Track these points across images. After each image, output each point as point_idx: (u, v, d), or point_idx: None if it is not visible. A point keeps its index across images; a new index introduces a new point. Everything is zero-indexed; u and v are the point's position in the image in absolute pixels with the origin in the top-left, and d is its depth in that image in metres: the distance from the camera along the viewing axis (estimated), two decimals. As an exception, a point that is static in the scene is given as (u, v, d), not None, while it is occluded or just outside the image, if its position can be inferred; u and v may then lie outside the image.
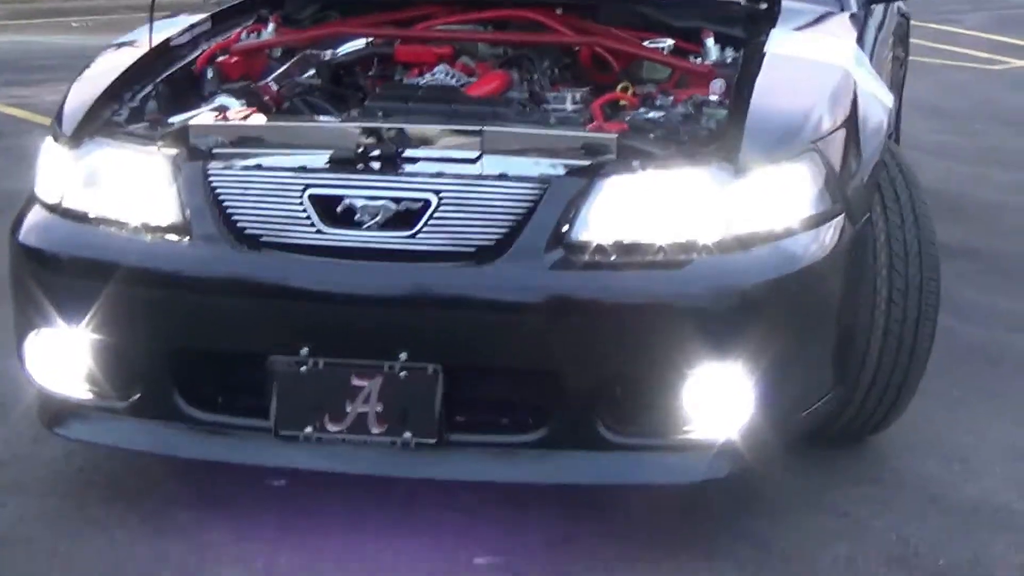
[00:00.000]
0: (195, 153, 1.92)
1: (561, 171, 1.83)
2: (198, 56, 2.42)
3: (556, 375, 1.81)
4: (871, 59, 2.63)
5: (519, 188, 1.79)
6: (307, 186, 1.83)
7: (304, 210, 1.81)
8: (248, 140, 1.97)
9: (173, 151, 1.92)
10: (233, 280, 1.83)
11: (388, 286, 1.79)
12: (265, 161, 1.90)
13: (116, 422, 1.96)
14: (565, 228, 1.77)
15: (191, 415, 1.87)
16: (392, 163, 1.86)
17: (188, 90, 2.34)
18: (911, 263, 2.13)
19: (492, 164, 1.84)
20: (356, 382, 1.76)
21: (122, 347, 1.89)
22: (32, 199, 2.05)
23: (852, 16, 2.70)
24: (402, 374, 1.75)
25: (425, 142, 1.93)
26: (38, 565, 1.87)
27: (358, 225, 1.80)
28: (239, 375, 1.88)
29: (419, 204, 1.79)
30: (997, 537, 2.02)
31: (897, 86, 3.91)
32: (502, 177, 1.80)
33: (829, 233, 1.91)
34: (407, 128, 1.92)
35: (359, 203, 1.81)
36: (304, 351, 1.76)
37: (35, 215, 2.02)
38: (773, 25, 2.33)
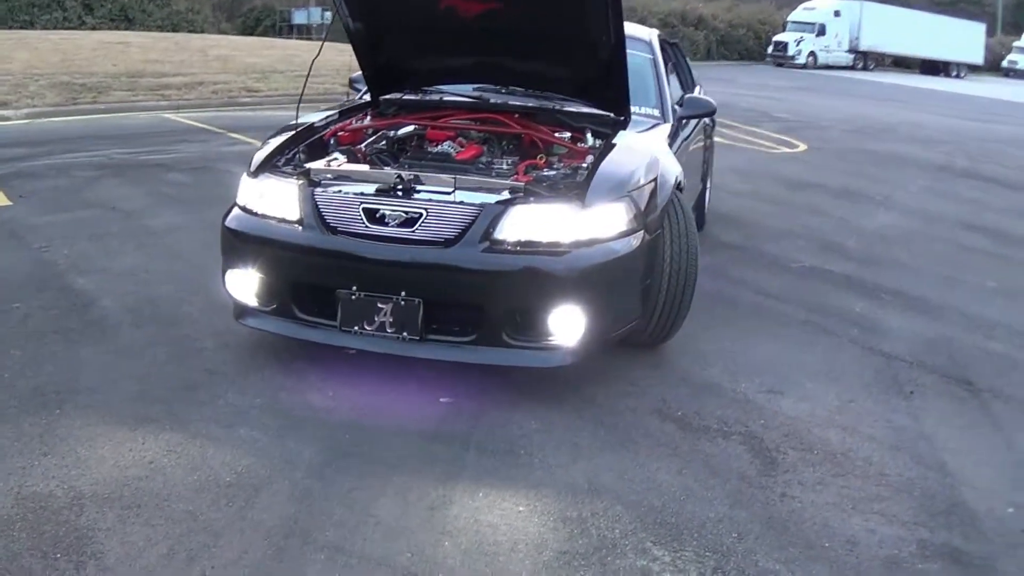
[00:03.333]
0: (311, 182, 3.95)
1: (492, 201, 3.71)
2: (327, 132, 4.57)
3: (482, 308, 3.72)
4: (679, 148, 4.91)
5: (467, 209, 3.70)
6: (361, 203, 3.81)
7: (359, 215, 3.79)
8: (338, 177, 3.97)
9: (300, 181, 3.97)
10: (321, 249, 3.83)
11: (397, 256, 3.73)
12: (344, 188, 3.89)
13: (266, 318, 4.06)
14: (491, 231, 3.64)
15: (300, 316, 3.93)
16: (407, 192, 3.80)
17: (320, 149, 4.46)
18: (681, 255, 4.12)
19: (459, 195, 3.75)
20: (379, 305, 3.72)
21: (269, 279, 3.97)
22: (234, 204, 4.19)
23: (671, 125, 4.95)
24: (402, 303, 3.69)
25: (427, 182, 3.85)
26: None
27: (386, 224, 3.75)
28: (322, 298, 3.87)
29: (417, 214, 3.72)
30: (710, 399, 3.95)
31: (707, 161, 6.86)
32: (459, 203, 3.70)
33: (633, 240, 3.81)
34: (418, 174, 3.86)
35: (387, 212, 3.76)
36: (354, 287, 3.74)
37: (234, 212, 4.14)
38: (624, 128, 4.43)
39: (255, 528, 2.97)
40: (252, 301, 4.06)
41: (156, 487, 3.20)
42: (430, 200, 3.77)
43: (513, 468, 3.39)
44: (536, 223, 3.71)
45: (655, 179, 4.11)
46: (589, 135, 4.55)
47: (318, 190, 3.90)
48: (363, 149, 4.52)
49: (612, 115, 4.64)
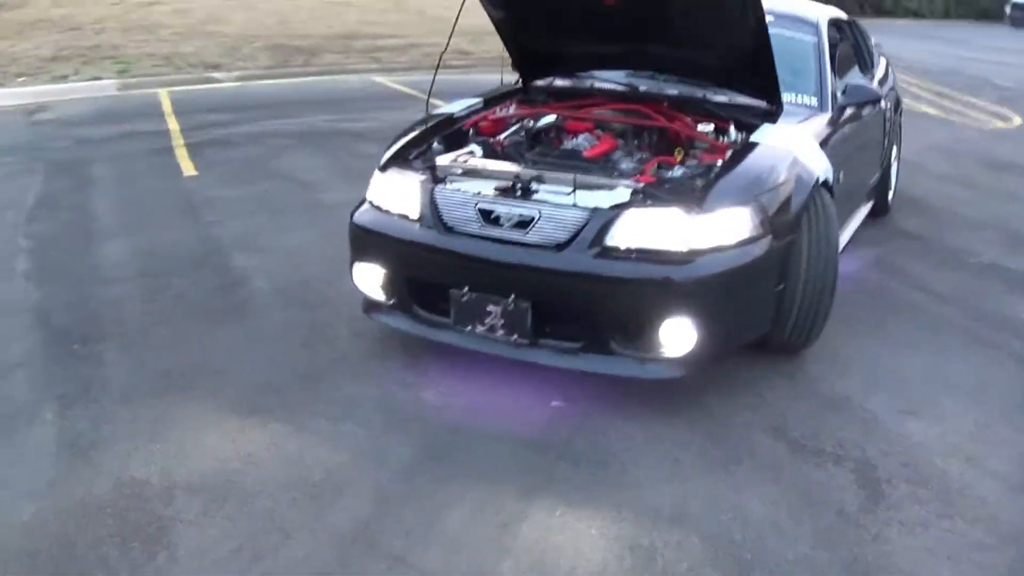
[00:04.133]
0: (434, 179, 3.93)
1: (608, 203, 3.57)
2: (466, 122, 4.52)
3: (590, 315, 3.59)
4: (839, 139, 4.62)
5: (579, 212, 3.56)
6: (477, 203, 3.75)
7: (474, 215, 3.73)
8: (462, 173, 3.92)
9: (424, 177, 3.95)
10: (438, 247, 3.80)
11: (508, 258, 3.64)
12: (463, 186, 3.84)
13: (388, 313, 4.09)
14: (602, 236, 3.52)
15: (418, 313, 3.93)
16: (525, 192, 3.70)
17: (459, 140, 4.42)
18: (819, 259, 3.86)
19: (579, 196, 3.62)
20: (490, 308, 3.67)
21: (390, 274, 3.99)
22: (364, 198, 4.22)
23: (829, 116, 4.60)
24: (511, 306, 3.62)
25: (547, 181, 3.74)
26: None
27: (500, 225, 3.69)
28: (438, 296, 3.85)
29: (530, 217, 3.63)
30: (834, 417, 3.75)
31: (889, 146, 6.32)
32: (572, 206, 3.58)
33: (759, 247, 3.60)
34: (541, 173, 3.75)
35: (502, 213, 3.69)
36: (466, 288, 3.70)
37: (362, 206, 4.17)
38: (775, 118, 4.15)
39: (327, 531, 3.01)
40: (377, 295, 4.11)
41: (247, 481, 3.29)
42: (545, 202, 3.67)
43: (601, 485, 3.26)
44: (649, 228, 3.55)
45: (791, 179, 3.89)
46: (732, 128, 4.30)
47: (439, 187, 3.88)
48: (502, 140, 4.45)
49: (763, 104, 4.41)
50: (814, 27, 5.15)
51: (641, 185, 3.69)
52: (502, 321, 3.65)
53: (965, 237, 6.38)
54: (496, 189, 3.78)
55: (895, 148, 6.72)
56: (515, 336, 3.65)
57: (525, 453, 3.44)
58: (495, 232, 3.70)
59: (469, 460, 3.39)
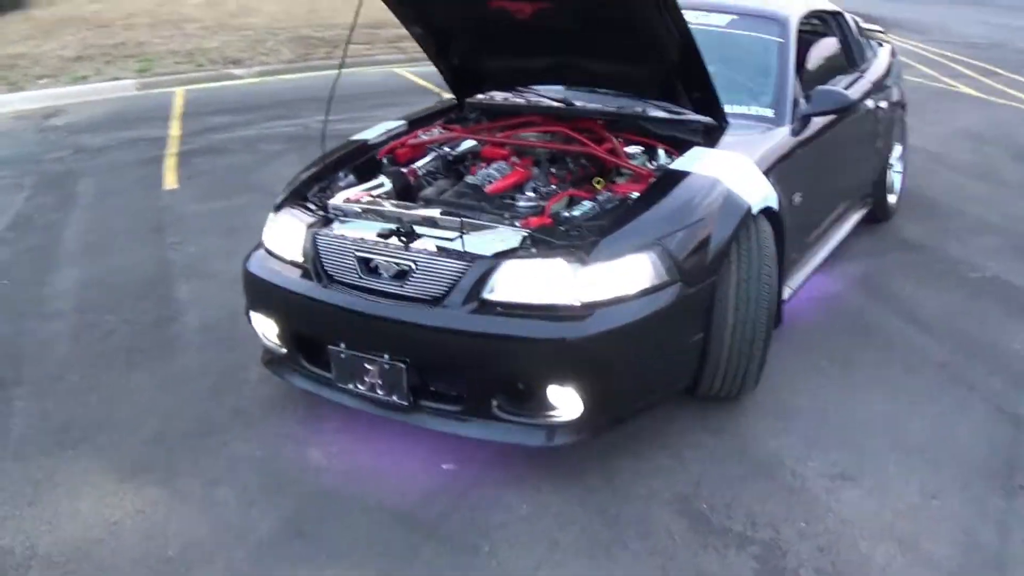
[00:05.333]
0: (320, 221, 3.86)
1: (490, 252, 3.44)
2: (381, 149, 4.43)
3: (470, 375, 3.49)
4: (802, 153, 4.37)
5: (455, 263, 3.44)
6: (356, 250, 3.67)
7: (354, 264, 3.66)
8: (351, 215, 3.85)
9: (312, 219, 3.89)
10: (315, 299, 3.72)
11: (382, 313, 3.53)
12: (347, 230, 3.76)
13: (279, 365, 4.05)
14: (479, 288, 3.39)
15: (305, 367, 3.88)
16: (409, 237, 3.59)
17: (371, 170, 4.32)
18: (750, 301, 3.65)
19: (468, 242, 3.48)
20: (367, 366, 3.60)
21: (279, 324, 3.93)
22: (259, 242, 4.16)
23: (787, 128, 4.33)
24: (387, 365, 3.55)
25: (437, 224, 3.64)
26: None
27: (379, 276, 3.61)
28: (319, 351, 3.79)
29: (407, 267, 3.55)
30: (757, 484, 3.56)
31: (888, 146, 6.04)
32: (450, 254, 3.46)
33: (663, 296, 3.40)
34: (432, 215, 3.65)
35: (381, 262, 3.61)
36: (342, 345, 3.64)
37: (257, 251, 4.11)
38: (718, 135, 3.92)
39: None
40: (272, 346, 4.06)
41: (104, 554, 3.31)
42: (424, 250, 3.55)
43: (467, 570, 3.18)
44: (531, 280, 3.38)
45: (711, 215, 3.64)
46: (661, 151, 4.15)
47: (323, 232, 3.78)
48: (416, 170, 4.37)
49: (705, 119, 4.22)
50: (780, 25, 4.82)
51: (526, 231, 3.56)
52: (380, 381, 3.57)
53: (971, 246, 6.08)
54: (379, 235, 3.66)
55: (898, 148, 6.44)
56: (395, 396, 3.56)
57: (394, 529, 3.36)
58: (373, 283, 3.60)
59: (331, 536, 3.34)
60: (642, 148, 4.21)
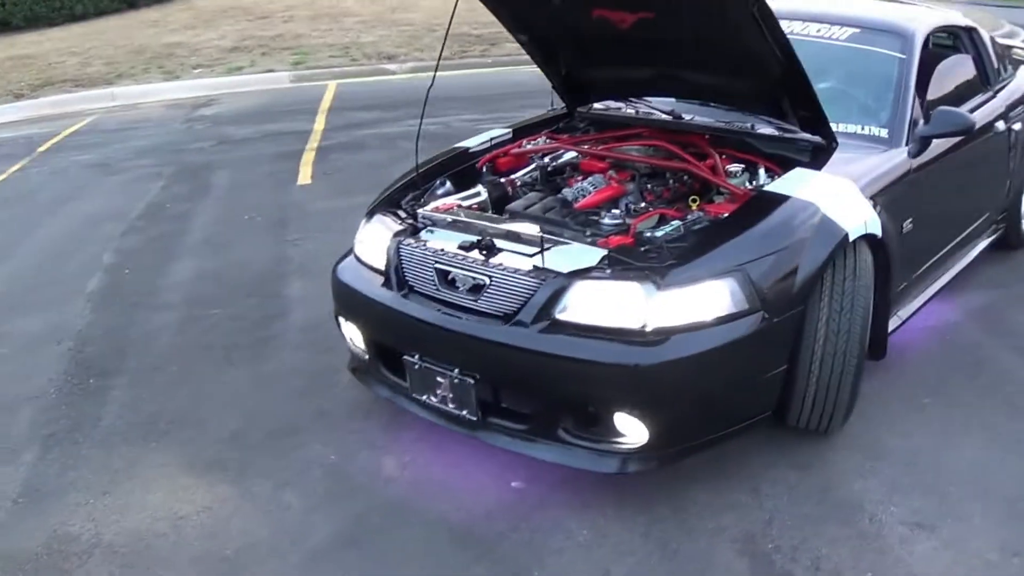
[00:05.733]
0: (409, 229, 3.85)
1: (559, 270, 3.36)
2: (482, 158, 4.41)
3: (537, 395, 3.41)
4: (920, 179, 4.12)
5: (528, 280, 3.37)
6: (436, 261, 3.64)
7: (432, 275, 3.64)
8: (439, 224, 3.81)
9: (400, 226, 3.88)
10: (392, 309, 3.70)
11: (455, 327, 3.48)
12: (431, 240, 3.73)
13: (363, 372, 4.05)
14: (551, 308, 3.30)
15: (385, 375, 3.86)
16: (488, 251, 3.53)
17: (470, 179, 4.29)
18: (841, 335, 3.47)
19: (548, 257, 3.39)
20: (439, 379, 3.56)
21: (362, 331, 3.93)
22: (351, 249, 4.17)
23: (900, 150, 4.09)
24: (456, 380, 3.51)
25: (516, 239, 3.57)
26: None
27: (456, 288, 3.57)
28: (396, 360, 3.77)
29: (482, 282, 3.50)
30: (831, 527, 3.35)
31: (1012, 180, 5.37)
32: (525, 271, 3.38)
33: (741, 326, 3.25)
34: (508, 226, 3.60)
35: (458, 275, 3.57)
36: (416, 355, 3.62)
37: (347, 257, 4.13)
38: (826, 155, 3.82)
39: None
40: (359, 352, 4.06)
41: (164, 548, 3.38)
42: (499, 264, 3.47)
43: None
44: (603, 302, 3.26)
45: (801, 242, 3.44)
46: (762, 171, 3.96)
47: (407, 241, 3.76)
48: (515, 180, 4.31)
49: (814, 139, 4.01)
50: (904, 39, 4.52)
51: (608, 249, 3.42)
52: (451, 394, 3.52)
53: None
54: (460, 246, 3.60)
55: None
56: (465, 411, 3.52)
57: (451, 545, 3.30)
58: (450, 296, 3.55)
59: (385, 548, 3.31)
60: (744, 166, 4.02)
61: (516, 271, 3.41)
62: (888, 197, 3.90)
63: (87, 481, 3.82)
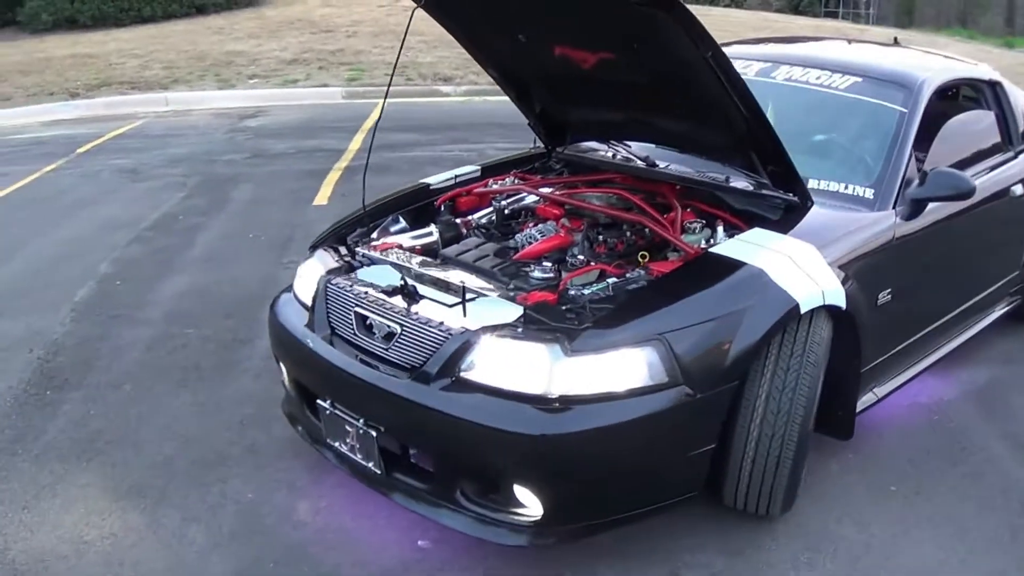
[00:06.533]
0: (345, 267, 3.88)
1: (465, 327, 3.32)
2: (440, 196, 4.42)
3: (435, 456, 3.38)
4: (909, 245, 3.96)
5: (432, 333, 3.33)
6: (356, 306, 3.67)
7: (352, 320, 3.67)
8: (369, 264, 3.86)
9: (334, 265, 3.92)
10: (309, 350, 3.69)
11: (363, 375, 3.44)
12: (355, 284, 3.75)
13: (289, 414, 4.08)
14: (456, 364, 3.23)
15: (305, 415, 3.88)
16: (411, 297, 3.50)
17: (422, 218, 4.31)
18: (781, 415, 3.35)
19: (471, 310, 3.35)
20: (347, 428, 3.56)
21: (287, 369, 3.98)
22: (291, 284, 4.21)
23: (884, 214, 3.92)
24: (361, 430, 3.51)
25: (442, 286, 3.57)
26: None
27: (372, 334, 3.59)
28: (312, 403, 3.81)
29: (395, 331, 3.51)
30: None
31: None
32: (433, 324, 3.35)
33: (659, 399, 3.11)
34: (434, 272, 3.61)
35: (375, 321, 3.59)
36: (328, 400, 3.65)
37: (287, 290, 4.18)
38: (799, 214, 3.74)
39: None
40: (287, 389, 4.08)
41: (60, 572, 3.42)
42: (415, 313, 3.45)
43: None
44: (508, 363, 3.17)
45: (739, 311, 3.28)
46: (720, 229, 3.85)
47: (335, 280, 3.77)
48: (471, 221, 4.32)
49: (787, 196, 3.85)
50: (909, 93, 4.28)
51: (522, 306, 3.35)
52: (357, 444, 3.53)
53: None
54: (382, 290, 3.58)
55: None
56: (370, 463, 3.51)
57: None
58: (365, 342, 3.54)
59: None
60: (704, 222, 3.93)
61: (427, 322, 3.38)
62: (862, 265, 3.74)
63: (13, 494, 3.92)
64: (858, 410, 3.94)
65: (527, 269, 3.72)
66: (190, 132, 11.21)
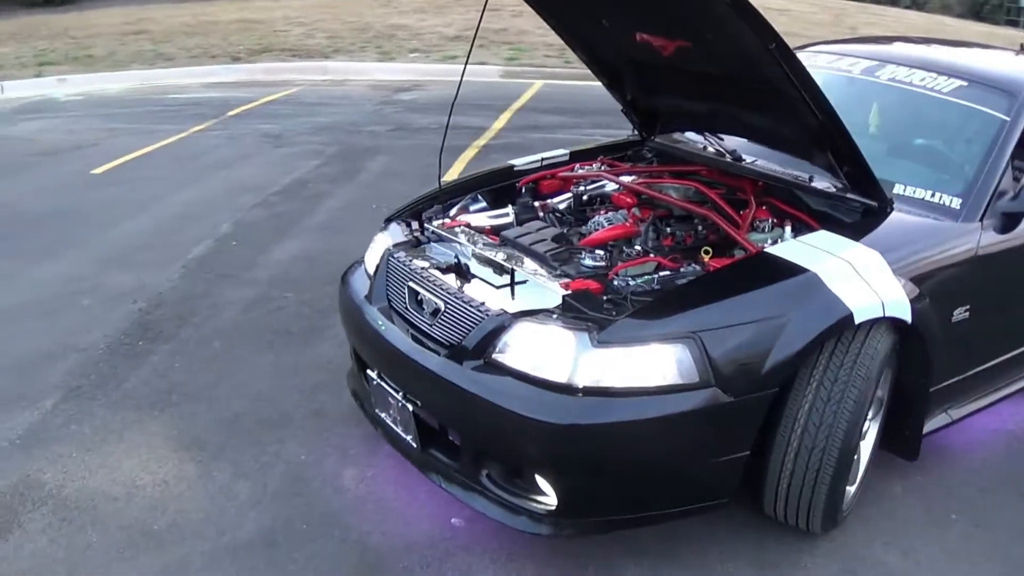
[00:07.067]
0: (405, 242, 3.93)
1: (504, 309, 3.29)
2: (524, 177, 4.43)
3: (461, 434, 3.37)
4: (996, 261, 3.73)
5: (472, 313, 3.32)
6: (410, 280, 3.71)
7: (406, 295, 3.71)
8: (436, 241, 3.90)
9: (405, 238, 3.97)
10: (365, 321, 3.75)
11: (405, 349, 3.46)
12: (415, 258, 3.80)
13: (350, 382, 4.17)
14: (489, 346, 3.21)
15: (361, 382, 3.93)
16: (463, 276, 3.54)
17: (501, 199, 4.33)
18: (823, 427, 3.21)
19: (520, 292, 3.35)
20: (390, 400, 3.61)
21: (348, 337, 4.06)
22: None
23: (970, 225, 3.69)
24: (400, 404, 3.55)
25: (493, 267, 3.58)
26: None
27: (421, 310, 3.63)
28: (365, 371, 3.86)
29: (439, 307, 3.51)
30: None
31: None
32: (474, 303, 3.35)
33: (685, 400, 3.01)
34: (489, 253, 3.62)
35: (424, 296, 3.63)
36: (376, 371, 3.71)
37: (358, 266, 4.23)
38: (877, 220, 3.60)
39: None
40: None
41: (106, 512, 3.60)
42: (461, 293, 3.45)
43: None
44: (538, 349, 3.13)
45: (782, 316, 3.14)
46: (788, 229, 3.72)
47: (397, 254, 3.82)
48: (549, 204, 4.31)
49: (866, 201, 3.70)
50: (1014, 100, 4.02)
51: (563, 292, 3.31)
52: (399, 417, 3.58)
53: None
54: (436, 267, 3.62)
55: None
56: (409, 437, 3.55)
57: (347, 570, 3.32)
58: (414, 317, 3.56)
59: (292, 557, 3.37)
60: (775, 221, 3.82)
61: (469, 301, 3.38)
62: (937, 278, 3.56)
63: (82, 436, 4.13)
64: (927, 431, 3.75)
65: (580, 256, 3.69)
66: (342, 102, 11.49)
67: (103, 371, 4.71)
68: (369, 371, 3.72)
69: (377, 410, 3.74)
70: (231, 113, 10.72)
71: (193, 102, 11.61)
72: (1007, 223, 3.78)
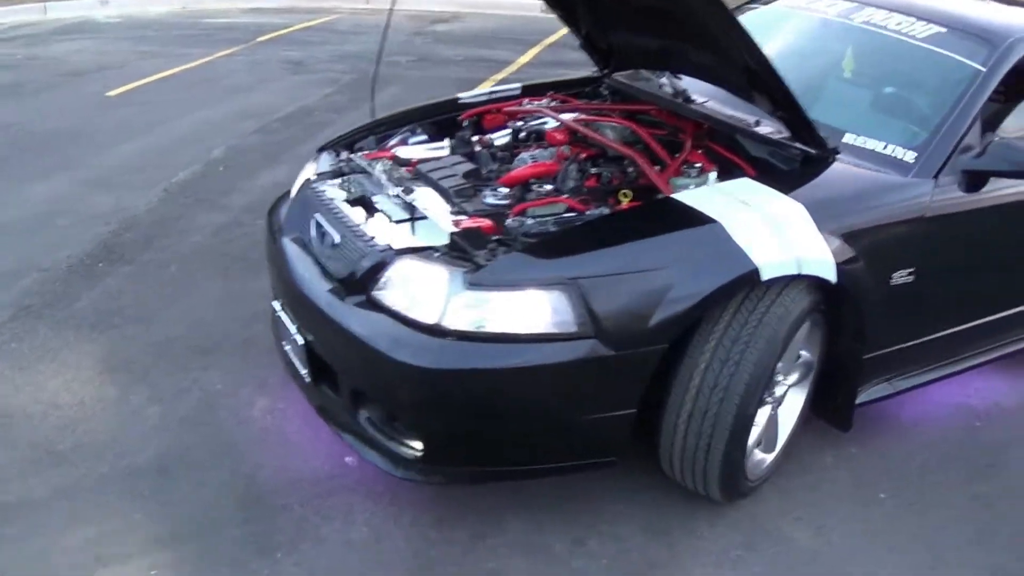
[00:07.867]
0: (328, 172, 3.89)
1: (390, 245, 3.21)
2: (468, 111, 4.35)
3: (341, 372, 3.29)
4: (955, 224, 3.51)
5: (360, 247, 3.25)
6: (317, 212, 3.69)
7: (312, 226, 3.68)
8: (351, 172, 3.86)
9: (324, 168, 3.95)
10: (274, 252, 3.71)
11: (295, 281, 3.43)
12: (327, 188, 3.74)
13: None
14: (370, 281, 3.14)
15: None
16: (369, 210, 3.53)
17: (441, 132, 4.26)
18: (717, 390, 3.05)
19: (419, 228, 3.32)
20: (288, 331, 3.56)
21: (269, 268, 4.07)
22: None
23: (920, 182, 3.47)
24: (295, 337, 3.51)
25: (398, 202, 3.51)
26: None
27: (323, 242, 3.58)
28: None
29: (336, 240, 3.44)
30: None
31: None
32: (364, 237, 3.29)
33: (560, 351, 2.89)
34: (397, 189, 3.53)
35: (326, 229, 3.58)
36: (279, 302, 3.72)
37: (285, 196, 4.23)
38: (820, 169, 3.43)
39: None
40: None
41: (21, 429, 3.68)
42: (357, 227, 3.38)
43: (236, 568, 3.08)
44: (413, 287, 3.05)
45: (671, 267, 2.98)
46: (712, 175, 3.55)
47: (313, 184, 3.77)
48: (487, 139, 4.18)
49: (805, 149, 3.49)
50: (993, 49, 3.74)
51: (458, 229, 3.22)
52: (295, 349, 3.58)
53: None
54: (345, 199, 3.58)
55: None
56: (305, 370, 3.53)
57: (230, 501, 3.35)
58: (315, 248, 3.51)
59: (179, 486, 3.42)
60: (701, 166, 3.63)
61: (361, 235, 3.31)
62: (875, 237, 3.34)
63: (20, 354, 4.22)
64: (862, 400, 3.59)
65: (485, 193, 3.61)
66: (375, 31, 11.45)
67: (57, 291, 4.80)
68: (275, 302, 3.72)
69: (282, 342, 3.75)
70: (260, 39, 10.75)
71: (227, 27, 11.66)
72: (969, 182, 3.55)
